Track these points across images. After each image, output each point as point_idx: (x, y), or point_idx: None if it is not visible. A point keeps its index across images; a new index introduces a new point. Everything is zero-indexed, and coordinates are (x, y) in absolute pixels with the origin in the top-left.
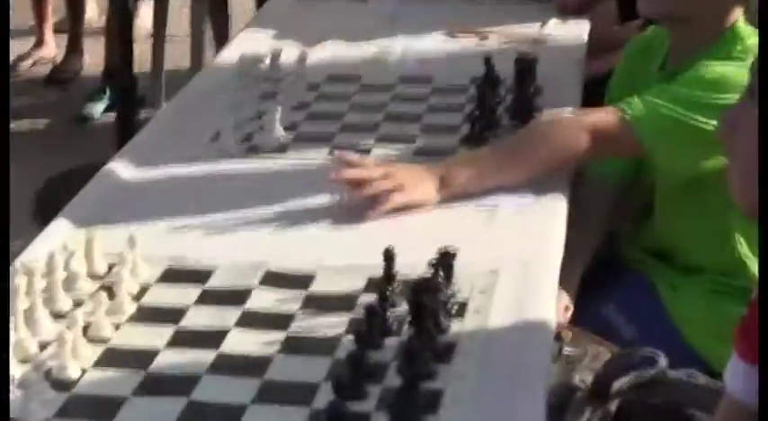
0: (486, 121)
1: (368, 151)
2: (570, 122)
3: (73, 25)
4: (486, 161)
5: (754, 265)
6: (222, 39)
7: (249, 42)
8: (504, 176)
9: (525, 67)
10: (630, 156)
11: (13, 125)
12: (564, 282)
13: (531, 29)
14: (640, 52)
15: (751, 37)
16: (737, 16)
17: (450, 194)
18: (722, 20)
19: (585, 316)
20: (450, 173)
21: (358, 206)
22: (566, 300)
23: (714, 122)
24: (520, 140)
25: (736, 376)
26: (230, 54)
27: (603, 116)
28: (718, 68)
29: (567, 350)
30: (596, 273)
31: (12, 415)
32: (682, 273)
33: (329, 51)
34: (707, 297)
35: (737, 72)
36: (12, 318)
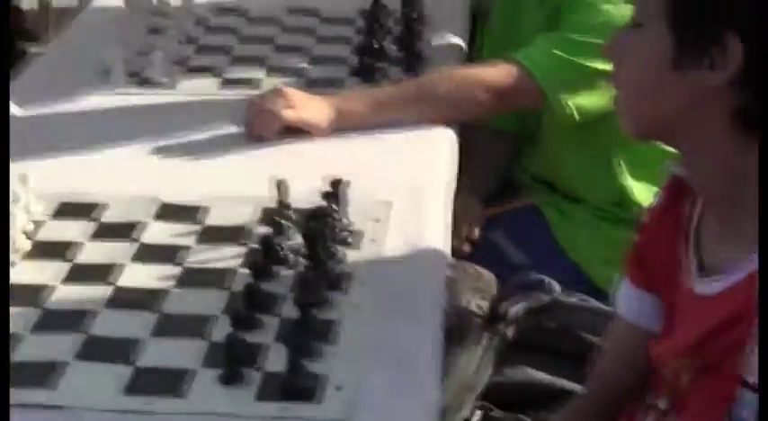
0: (375, 53)
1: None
2: (472, 81)
3: None
4: (383, 100)
5: (637, 194)
6: None
7: None
8: (398, 118)
9: None
10: (532, 108)
11: None
12: (465, 213)
13: None
14: None
15: None
16: None
17: (341, 125)
18: None
19: (480, 245)
20: (344, 103)
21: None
22: (466, 230)
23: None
24: (421, 88)
25: (628, 300)
26: None
27: (505, 72)
28: (605, 8)
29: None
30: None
31: None
32: (567, 199)
33: None
34: (592, 222)
35: (620, 10)
36: None
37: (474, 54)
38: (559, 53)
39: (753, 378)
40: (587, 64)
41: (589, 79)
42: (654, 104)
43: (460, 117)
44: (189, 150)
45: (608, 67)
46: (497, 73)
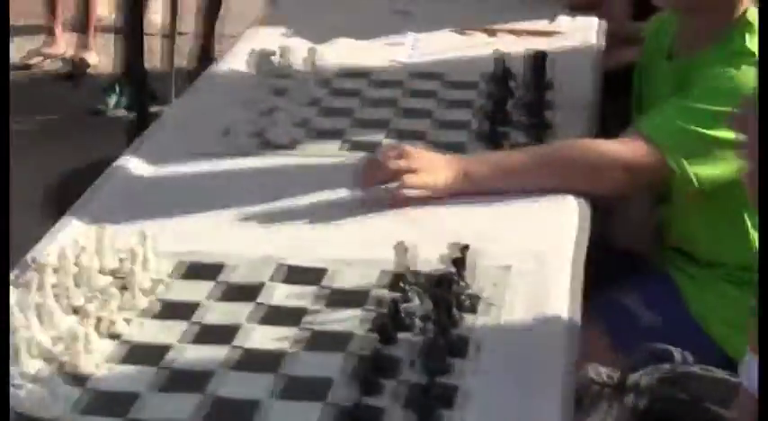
0: (498, 117)
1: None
2: (608, 158)
3: (83, 22)
4: (511, 166)
5: None
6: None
7: (259, 37)
8: (525, 184)
9: (536, 62)
10: (662, 183)
11: (25, 120)
12: None
13: (540, 24)
14: (654, 34)
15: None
16: (747, 6)
17: (466, 189)
18: (732, 10)
19: (606, 304)
20: (469, 167)
21: (373, 193)
22: None
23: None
24: (552, 158)
25: (752, 370)
26: (241, 50)
27: (636, 149)
28: (731, 75)
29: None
30: (619, 266)
31: (27, 410)
32: (700, 265)
33: (340, 47)
34: (725, 288)
35: (747, 76)
36: (24, 314)
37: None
38: (688, 125)
39: None
40: (714, 134)
41: (716, 149)
42: None
43: (590, 191)
44: (312, 212)
45: (735, 135)
46: (629, 150)
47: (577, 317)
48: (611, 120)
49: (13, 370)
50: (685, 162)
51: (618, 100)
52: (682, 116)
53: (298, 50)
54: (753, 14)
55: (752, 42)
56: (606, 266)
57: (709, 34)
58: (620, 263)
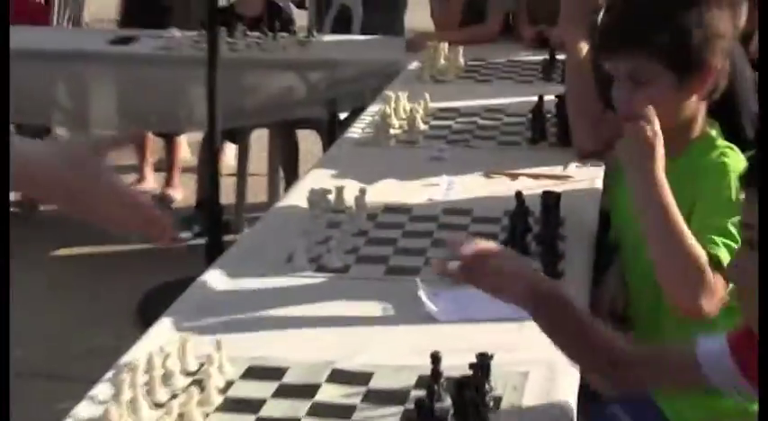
0: (518, 248)
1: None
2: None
3: (168, 164)
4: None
5: None
6: (293, 176)
7: (317, 179)
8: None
9: (550, 201)
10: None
11: (118, 247)
12: None
13: (554, 170)
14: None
15: (718, 140)
16: (702, 127)
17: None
18: (689, 132)
19: (599, 416)
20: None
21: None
22: None
23: None
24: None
25: (719, 359)
26: (301, 189)
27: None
28: (729, 183)
29: None
30: None
31: None
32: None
33: (385, 187)
34: (697, 399)
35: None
36: (117, 408)
37: None
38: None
39: None
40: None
41: None
42: None
43: None
44: (358, 324)
45: None
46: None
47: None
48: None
49: None
50: None
51: None
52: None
53: (349, 190)
54: (711, 130)
55: (707, 155)
56: None
57: (671, 152)
58: None
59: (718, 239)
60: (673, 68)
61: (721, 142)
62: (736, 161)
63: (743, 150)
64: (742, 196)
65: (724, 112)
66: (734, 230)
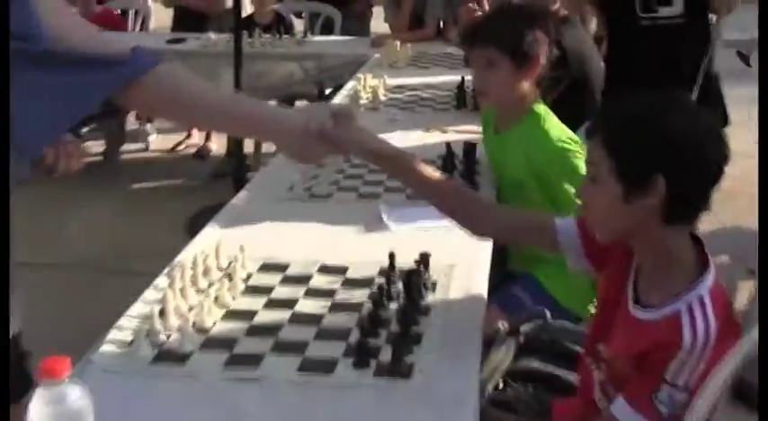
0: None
1: (378, 196)
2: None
3: None
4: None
5: None
6: None
7: None
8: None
9: (469, 148)
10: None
11: (174, 183)
12: None
13: (472, 127)
14: (485, 117)
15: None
16: (531, 102)
17: None
18: (523, 107)
19: (506, 296)
20: None
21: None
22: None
23: None
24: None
25: (569, 229)
26: None
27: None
28: (560, 142)
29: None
30: (507, 274)
31: (170, 349)
32: (548, 266)
33: None
34: (566, 277)
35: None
36: (171, 294)
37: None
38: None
39: (669, 376)
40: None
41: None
42: (617, 227)
43: None
44: (338, 233)
45: None
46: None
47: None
48: None
49: (160, 325)
50: None
51: None
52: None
53: None
54: (538, 107)
55: (537, 123)
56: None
57: (512, 119)
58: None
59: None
60: (512, 58)
61: (546, 116)
62: (559, 128)
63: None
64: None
65: (585, 88)
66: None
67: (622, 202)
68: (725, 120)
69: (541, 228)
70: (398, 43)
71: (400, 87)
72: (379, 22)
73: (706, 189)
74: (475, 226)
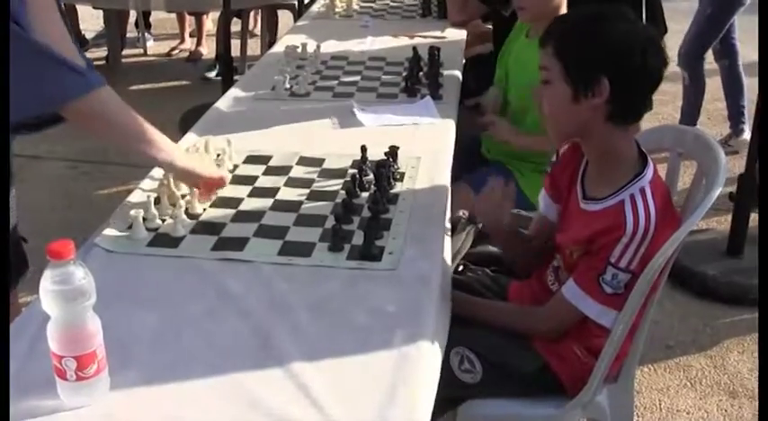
0: (413, 80)
1: (352, 95)
2: None
3: (198, 31)
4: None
5: None
6: (275, 38)
7: (290, 39)
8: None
9: (434, 52)
10: None
11: (169, 83)
12: None
13: (436, 33)
14: (519, 27)
15: None
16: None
17: None
18: (556, 12)
19: (479, 178)
20: None
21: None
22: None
23: None
24: None
25: (544, 201)
26: (280, 45)
27: None
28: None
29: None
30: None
31: (164, 233)
32: (521, 160)
33: (332, 44)
34: (538, 178)
35: None
36: (165, 183)
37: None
38: None
39: (614, 259)
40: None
41: None
42: (567, 124)
43: None
44: (316, 127)
45: None
46: None
47: (449, 185)
48: (473, 81)
49: (155, 211)
50: None
51: (476, 70)
52: None
53: (310, 45)
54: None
55: None
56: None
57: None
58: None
59: None
60: None
61: None
62: None
63: None
64: None
65: None
66: None
67: (571, 102)
68: (664, 30)
69: (542, 225)
70: None
71: None
72: None
73: (646, 91)
74: None
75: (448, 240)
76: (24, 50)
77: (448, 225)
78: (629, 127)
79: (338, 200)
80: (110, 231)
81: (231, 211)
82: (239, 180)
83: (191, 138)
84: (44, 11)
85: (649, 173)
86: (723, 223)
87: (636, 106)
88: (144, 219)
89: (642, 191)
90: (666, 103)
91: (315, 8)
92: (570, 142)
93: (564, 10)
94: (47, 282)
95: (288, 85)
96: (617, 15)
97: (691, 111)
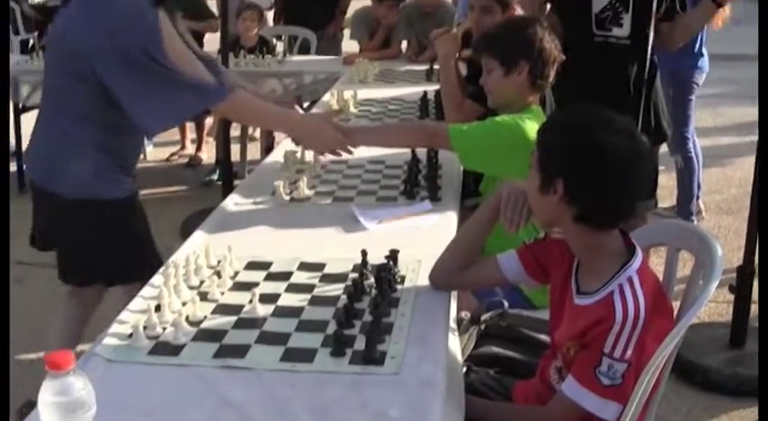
0: (412, 183)
1: (351, 199)
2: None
3: (198, 137)
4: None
5: None
6: (273, 142)
7: (289, 144)
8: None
9: (432, 154)
10: None
11: (169, 189)
12: None
13: None
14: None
15: (540, 116)
16: (532, 102)
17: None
18: (522, 107)
19: None
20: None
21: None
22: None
23: None
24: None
25: (510, 264)
26: (279, 150)
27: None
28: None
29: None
30: None
31: (165, 341)
32: None
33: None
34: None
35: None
36: (165, 291)
37: None
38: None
39: (607, 349)
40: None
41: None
42: (538, 213)
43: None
44: (316, 234)
45: None
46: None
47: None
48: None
49: (156, 319)
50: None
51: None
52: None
53: (308, 152)
54: (536, 108)
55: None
56: None
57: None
58: None
59: None
60: (501, 64)
61: (530, 116)
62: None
63: None
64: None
65: None
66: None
67: (539, 192)
68: (662, 136)
69: (489, 274)
70: (367, 61)
71: (369, 100)
72: (347, 42)
73: (619, 200)
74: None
75: (455, 340)
76: (168, 79)
77: (453, 325)
78: (605, 230)
79: (340, 304)
80: (110, 340)
81: (233, 318)
82: (240, 286)
83: (191, 244)
84: (179, 52)
85: (636, 262)
86: (724, 315)
87: (605, 213)
88: (144, 328)
89: (630, 280)
90: (664, 198)
91: (314, 111)
92: (560, 237)
93: (522, 101)
94: (46, 393)
95: (288, 190)
96: (598, 120)
97: (687, 197)
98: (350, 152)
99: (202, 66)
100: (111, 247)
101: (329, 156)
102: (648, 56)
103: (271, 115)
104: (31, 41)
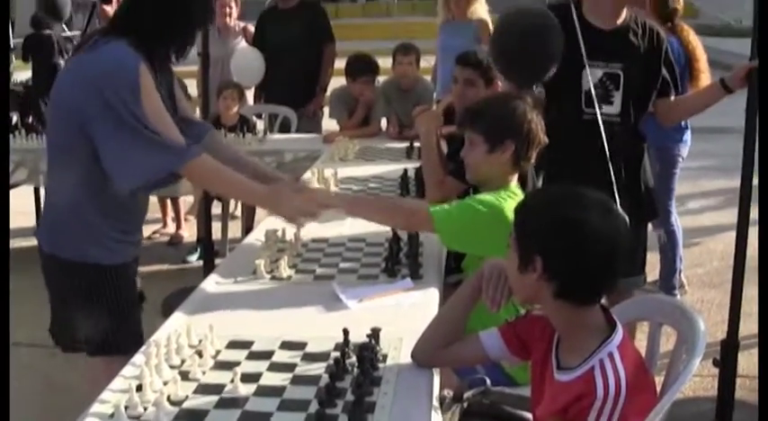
0: (393, 260)
1: (332, 277)
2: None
3: (177, 216)
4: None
5: None
6: (253, 221)
7: (270, 223)
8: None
9: (413, 233)
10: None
11: (150, 267)
12: None
13: None
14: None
15: (519, 196)
16: (511, 182)
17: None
18: (502, 185)
19: None
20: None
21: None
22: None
23: None
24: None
25: (492, 341)
26: (260, 229)
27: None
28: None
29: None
30: None
31: (146, 420)
32: None
33: (313, 225)
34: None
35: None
36: (147, 370)
37: None
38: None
39: None
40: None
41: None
42: (518, 291)
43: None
44: (298, 312)
45: None
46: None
47: None
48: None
49: (138, 399)
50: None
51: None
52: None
53: (290, 229)
54: (514, 187)
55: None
56: None
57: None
58: None
59: None
60: (485, 139)
61: (509, 194)
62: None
63: None
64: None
65: None
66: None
67: (517, 271)
68: (652, 213)
69: (471, 351)
70: (347, 139)
71: (350, 178)
72: (327, 120)
73: (593, 277)
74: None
75: (438, 418)
76: (141, 136)
77: (436, 403)
78: (586, 306)
79: (321, 384)
80: (91, 420)
81: (214, 398)
82: (222, 365)
83: (172, 323)
84: (155, 109)
85: (617, 338)
86: (709, 390)
87: (584, 289)
88: (126, 408)
89: (611, 355)
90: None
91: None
92: (541, 314)
93: (502, 179)
94: None
95: (269, 269)
96: (569, 197)
97: (670, 271)
98: (316, 217)
99: (176, 129)
100: (96, 313)
101: (306, 226)
102: (638, 133)
103: (236, 183)
104: (14, 119)
